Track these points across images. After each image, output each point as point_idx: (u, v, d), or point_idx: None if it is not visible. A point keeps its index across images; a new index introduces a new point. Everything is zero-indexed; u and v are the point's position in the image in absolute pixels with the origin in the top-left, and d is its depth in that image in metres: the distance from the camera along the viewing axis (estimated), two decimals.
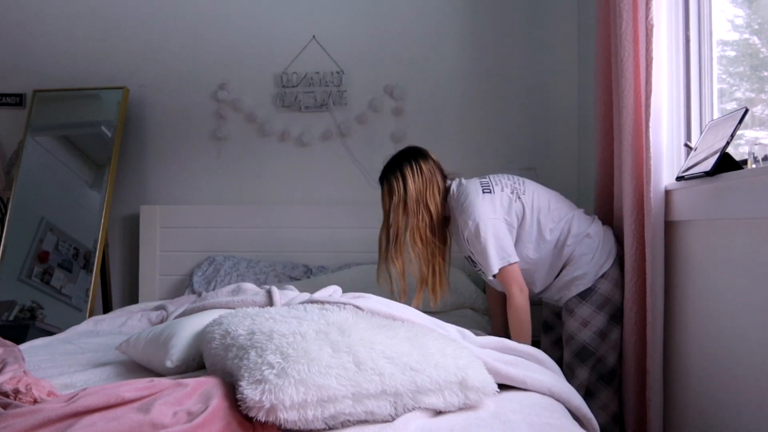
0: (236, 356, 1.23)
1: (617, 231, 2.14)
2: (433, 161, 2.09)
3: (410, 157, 2.07)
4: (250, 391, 1.07)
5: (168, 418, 1.07)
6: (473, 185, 2.04)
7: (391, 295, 2.02)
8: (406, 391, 1.16)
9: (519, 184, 2.06)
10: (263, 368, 1.11)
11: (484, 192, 2.01)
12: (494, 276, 1.99)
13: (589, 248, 2.02)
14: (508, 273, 1.96)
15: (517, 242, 2.02)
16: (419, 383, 1.17)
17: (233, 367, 1.22)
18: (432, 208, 2.04)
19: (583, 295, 2.01)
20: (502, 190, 2.02)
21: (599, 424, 1.98)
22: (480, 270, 2.07)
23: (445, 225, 2.13)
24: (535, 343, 2.23)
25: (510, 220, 2.00)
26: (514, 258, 1.97)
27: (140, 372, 1.59)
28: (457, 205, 2.03)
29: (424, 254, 2.04)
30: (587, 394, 2.04)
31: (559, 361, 2.15)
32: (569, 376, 2.02)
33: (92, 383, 1.51)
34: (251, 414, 1.07)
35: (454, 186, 2.08)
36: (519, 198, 2.02)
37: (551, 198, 2.08)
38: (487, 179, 2.06)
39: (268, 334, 1.24)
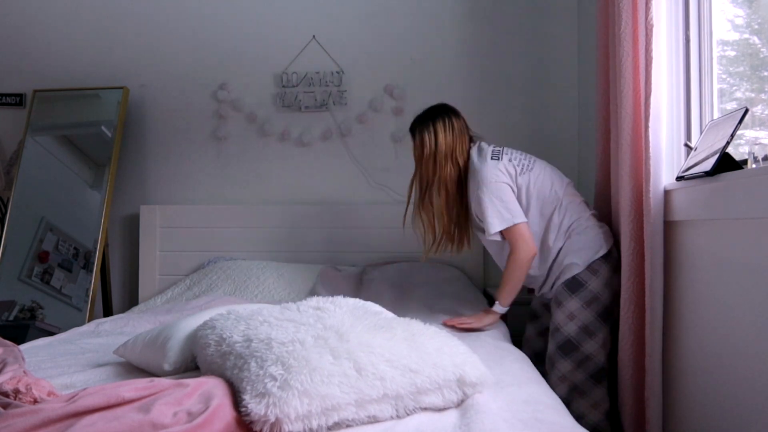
0: (235, 366, 1.22)
1: (615, 231, 2.14)
2: (463, 120, 2.20)
3: (443, 112, 2.18)
4: (254, 405, 1.07)
5: (168, 418, 1.06)
6: (486, 150, 2.13)
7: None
8: (406, 393, 1.17)
9: (529, 161, 2.14)
10: (266, 381, 1.10)
11: (492, 158, 2.10)
12: (500, 234, 2.06)
13: (579, 239, 2.08)
14: (515, 232, 2.04)
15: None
16: (419, 384, 1.18)
17: (233, 377, 1.21)
18: (460, 162, 2.15)
19: (573, 289, 2.06)
20: (510, 161, 2.11)
21: (592, 421, 2.02)
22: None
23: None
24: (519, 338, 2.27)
25: (513, 188, 2.08)
26: (519, 219, 2.03)
27: (140, 372, 1.59)
28: (471, 166, 2.14)
29: (448, 205, 2.16)
30: (579, 394, 2.06)
31: (542, 353, 2.22)
32: (550, 367, 2.10)
33: (92, 383, 1.50)
34: (256, 427, 1.06)
35: (473, 149, 2.17)
36: (524, 172, 2.10)
37: (555, 181, 2.15)
38: (501, 149, 2.14)
39: (266, 342, 1.23)
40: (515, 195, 2.08)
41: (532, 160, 2.16)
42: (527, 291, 2.81)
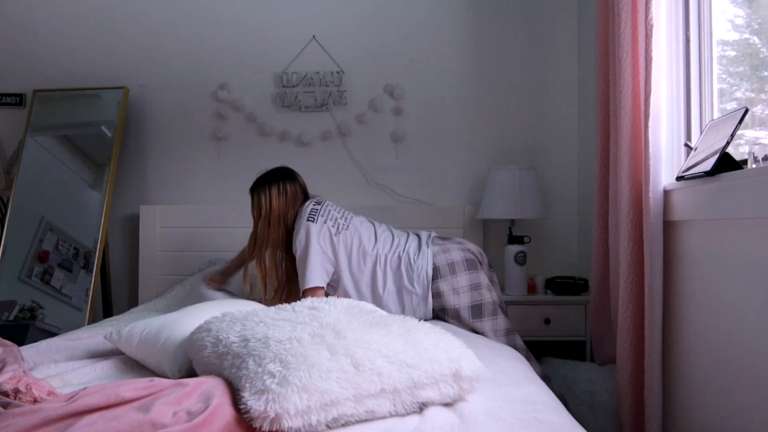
0: (233, 365, 1.22)
1: (615, 231, 2.14)
2: (299, 184, 2.35)
3: (279, 178, 2.32)
4: (253, 402, 1.07)
5: (168, 417, 1.06)
6: (305, 211, 2.25)
7: (248, 295, 2.34)
8: (403, 387, 1.18)
9: (345, 219, 2.27)
10: (264, 377, 1.11)
11: (308, 220, 2.22)
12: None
13: (411, 279, 2.19)
14: (306, 292, 2.18)
15: (340, 272, 2.21)
16: (416, 379, 1.19)
17: (231, 376, 1.21)
18: (291, 226, 2.29)
19: (440, 316, 2.21)
20: (325, 222, 2.22)
21: None
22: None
23: None
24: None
25: (325, 249, 2.20)
26: (313, 284, 2.17)
27: (140, 371, 1.59)
28: (295, 225, 2.28)
29: (278, 267, 2.30)
30: None
31: None
32: None
33: (90, 380, 1.51)
34: (255, 424, 1.06)
35: (302, 208, 2.30)
36: (341, 231, 2.23)
37: (372, 234, 2.27)
38: (318, 208, 2.26)
39: (263, 341, 1.23)
40: (331, 252, 2.20)
41: (349, 218, 2.28)
42: (527, 290, 2.81)
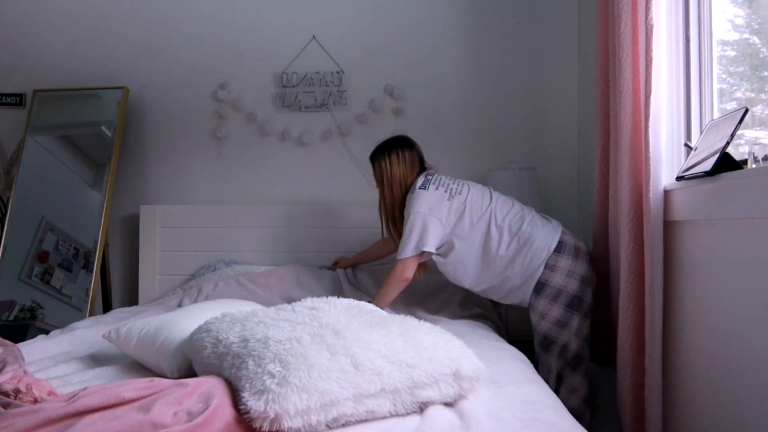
0: (233, 365, 1.22)
1: (615, 231, 2.14)
2: (417, 152, 2.41)
3: (397, 145, 2.39)
4: (253, 402, 1.07)
5: (168, 417, 1.07)
6: (417, 182, 2.29)
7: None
8: (403, 387, 1.18)
9: (458, 185, 2.28)
10: (264, 378, 1.11)
11: (420, 188, 2.26)
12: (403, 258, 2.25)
13: (526, 246, 2.17)
14: (408, 261, 2.23)
15: (452, 236, 2.23)
16: (416, 379, 1.19)
17: (231, 377, 1.21)
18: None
19: (538, 291, 2.18)
20: (437, 189, 2.25)
21: (570, 407, 2.09)
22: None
23: None
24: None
25: (439, 216, 2.21)
26: (424, 249, 2.20)
27: (140, 370, 1.59)
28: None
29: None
30: (558, 379, 2.20)
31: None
32: (536, 364, 2.20)
33: (90, 380, 1.51)
34: (255, 424, 1.06)
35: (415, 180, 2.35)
36: (454, 196, 2.24)
37: (485, 199, 2.27)
38: (430, 178, 2.30)
39: (263, 341, 1.23)
40: (445, 217, 2.21)
41: (461, 184, 2.29)
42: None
